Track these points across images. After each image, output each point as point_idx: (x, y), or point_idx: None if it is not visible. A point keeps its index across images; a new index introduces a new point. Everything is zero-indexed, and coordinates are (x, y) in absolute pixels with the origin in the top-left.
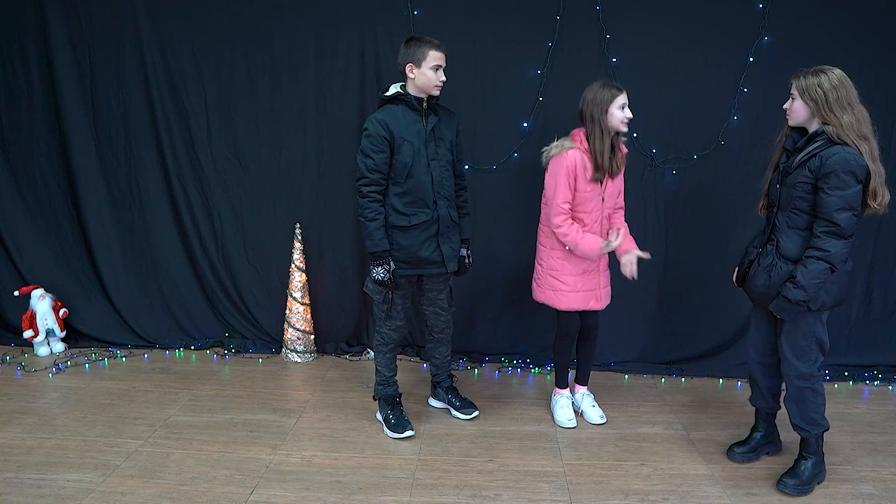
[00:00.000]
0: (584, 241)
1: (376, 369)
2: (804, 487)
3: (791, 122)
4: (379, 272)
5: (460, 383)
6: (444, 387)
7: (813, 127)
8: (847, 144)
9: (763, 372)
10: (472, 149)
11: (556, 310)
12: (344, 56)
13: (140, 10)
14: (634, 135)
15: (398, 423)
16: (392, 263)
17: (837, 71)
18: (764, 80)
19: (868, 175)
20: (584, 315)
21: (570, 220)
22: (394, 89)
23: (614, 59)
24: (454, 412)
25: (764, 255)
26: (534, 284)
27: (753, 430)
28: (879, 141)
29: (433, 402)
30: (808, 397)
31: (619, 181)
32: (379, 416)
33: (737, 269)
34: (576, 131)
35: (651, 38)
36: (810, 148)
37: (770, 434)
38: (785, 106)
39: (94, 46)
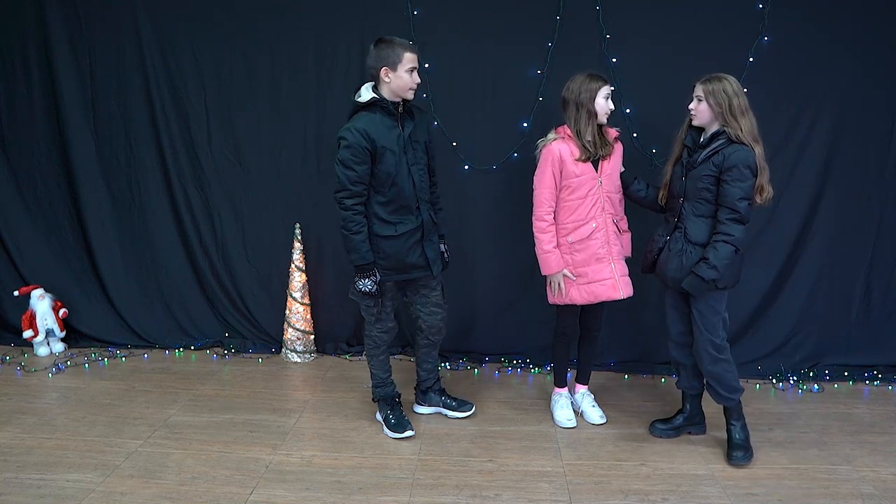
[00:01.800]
0: (550, 254)
1: (371, 373)
2: (748, 451)
3: (695, 122)
4: (367, 284)
5: (461, 383)
6: (436, 390)
7: (713, 128)
8: (744, 144)
9: (685, 353)
10: (472, 149)
11: (555, 308)
12: (344, 56)
13: (140, 10)
14: (634, 135)
15: (398, 423)
16: (378, 274)
17: (734, 79)
18: (764, 80)
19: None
20: (588, 315)
21: (554, 225)
22: (367, 94)
23: (614, 59)
24: (451, 413)
25: (673, 241)
26: (547, 290)
27: (679, 411)
28: (879, 141)
29: (420, 409)
30: (725, 369)
31: (617, 163)
32: (378, 417)
33: (644, 256)
34: (560, 127)
35: (651, 38)
36: (714, 145)
37: (693, 416)
38: (691, 107)
39: (94, 46)
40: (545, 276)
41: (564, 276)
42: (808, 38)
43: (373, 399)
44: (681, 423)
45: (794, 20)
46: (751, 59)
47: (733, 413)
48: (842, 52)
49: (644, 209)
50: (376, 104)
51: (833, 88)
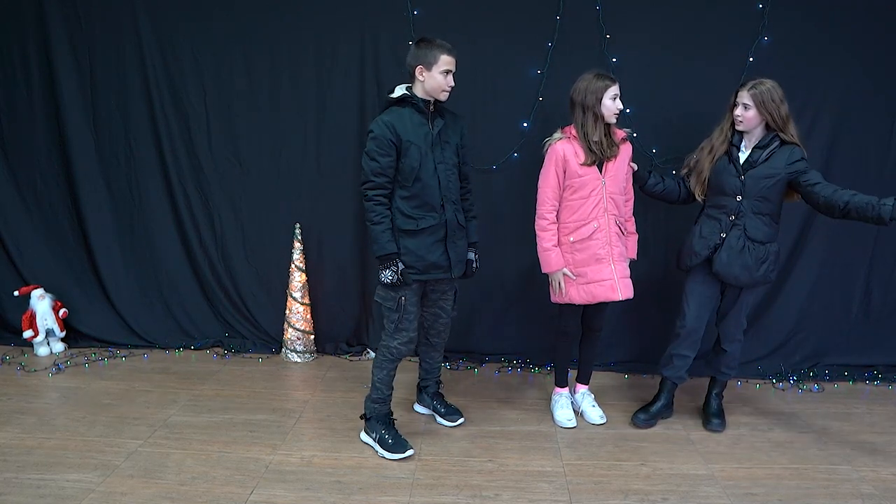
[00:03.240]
0: (550, 252)
1: (374, 385)
2: (724, 420)
3: (741, 128)
4: (387, 275)
5: (461, 383)
6: (430, 392)
7: (757, 132)
8: (796, 144)
9: (692, 346)
10: (472, 149)
11: (557, 308)
12: (344, 56)
13: (140, 10)
14: (634, 135)
15: (396, 442)
16: (400, 264)
17: (775, 83)
18: None
19: None
20: (590, 315)
21: (555, 223)
22: (399, 91)
23: (614, 59)
24: (439, 419)
25: (732, 239)
26: (550, 289)
27: (656, 399)
28: (879, 141)
29: (418, 409)
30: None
31: (622, 164)
32: (365, 438)
33: (692, 254)
34: (567, 127)
35: (651, 38)
36: (772, 147)
37: (670, 404)
38: (737, 113)
39: (94, 46)
40: (546, 274)
41: (564, 274)
42: (808, 38)
43: (364, 415)
44: (659, 409)
45: (794, 20)
46: (751, 59)
47: (723, 386)
48: (842, 52)
49: (639, 209)
50: (406, 100)
51: (833, 88)
